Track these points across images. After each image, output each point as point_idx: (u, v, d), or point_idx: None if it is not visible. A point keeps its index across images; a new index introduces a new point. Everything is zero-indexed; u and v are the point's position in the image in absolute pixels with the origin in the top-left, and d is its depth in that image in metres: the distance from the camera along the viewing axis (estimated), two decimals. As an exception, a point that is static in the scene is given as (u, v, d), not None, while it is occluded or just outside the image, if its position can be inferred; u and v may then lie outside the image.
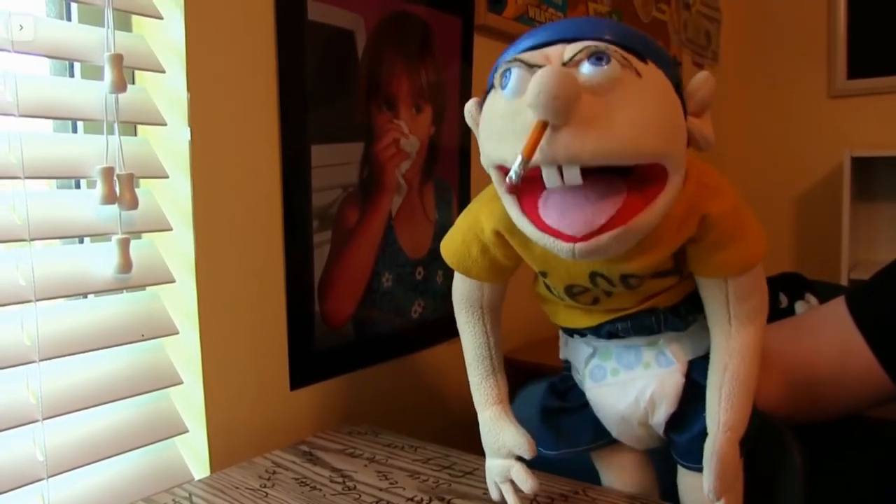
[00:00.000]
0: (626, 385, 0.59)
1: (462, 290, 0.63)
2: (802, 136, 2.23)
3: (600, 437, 0.63)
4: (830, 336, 0.68)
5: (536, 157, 0.42)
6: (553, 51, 0.45)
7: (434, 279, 1.07)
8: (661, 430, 0.60)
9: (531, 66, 0.44)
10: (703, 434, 0.56)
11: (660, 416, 0.58)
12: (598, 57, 0.43)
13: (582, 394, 0.64)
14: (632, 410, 0.59)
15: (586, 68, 0.43)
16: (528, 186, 0.46)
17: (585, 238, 0.44)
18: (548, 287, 0.60)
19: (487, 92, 0.50)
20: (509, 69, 0.46)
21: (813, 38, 2.19)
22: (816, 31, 2.18)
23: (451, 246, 0.61)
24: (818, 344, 0.69)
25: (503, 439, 0.60)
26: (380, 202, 0.96)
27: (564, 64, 0.43)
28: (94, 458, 0.67)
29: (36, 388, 0.64)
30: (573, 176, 0.43)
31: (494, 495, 0.62)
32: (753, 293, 0.55)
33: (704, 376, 0.57)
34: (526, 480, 0.58)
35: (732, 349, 0.55)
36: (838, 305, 0.69)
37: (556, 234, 0.45)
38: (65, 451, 0.66)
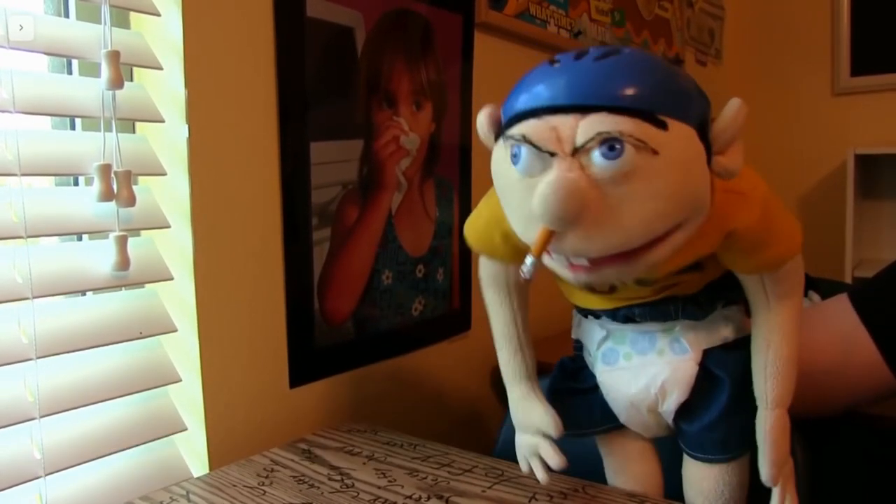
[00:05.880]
0: (638, 370, 0.59)
1: (488, 270, 0.64)
2: (806, 134, 2.23)
3: (606, 420, 0.63)
4: (833, 329, 0.68)
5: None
6: (563, 126, 0.42)
7: (435, 277, 1.06)
8: (670, 419, 0.59)
9: (541, 152, 0.42)
10: (714, 424, 0.56)
11: (670, 404, 0.58)
12: (610, 147, 0.40)
13: (592, 376, 0.63)
14: (642, 396, 0.59)
15: (598, 159, 0.41)
16: None
17: (588, 269, 0.45)
18: None
19: (500, 133, 0.47)
20: (514, 149, 0.44)
21: (816, 36, 2.18)
22: (820, 29, 2.17)
23: (474, 229, 0.61)
24: (821, 337, 0.69)
25: (532, 418, 0.61)
26: (380, 199, 0.96)
27: (576, 150, 0.41)
28: (91, 456, 0.67)
29: (33, 385, 0.64)
30: (581, 262, 0.45)
31: (525, 468, 0.63)
32: (789, 275, 0.55)
33: (719, 366, 0.57)
34: (553, 457, 0.59)
35: (773, 325, 0.56)
36: (842, 300, 0.69)
37: (575, 268, 0.46)
38: (62, 448, 0.65)
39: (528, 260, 0.44)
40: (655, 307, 0.57)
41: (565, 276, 0.46)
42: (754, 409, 0.57)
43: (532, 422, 0.61)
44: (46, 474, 0.63)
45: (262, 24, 0.80)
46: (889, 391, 0.66)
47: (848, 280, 1.84)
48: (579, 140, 0.41)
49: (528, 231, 0.44)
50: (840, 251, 1.91)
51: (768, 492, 0.57)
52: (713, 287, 0.58)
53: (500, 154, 0.47)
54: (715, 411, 0.57)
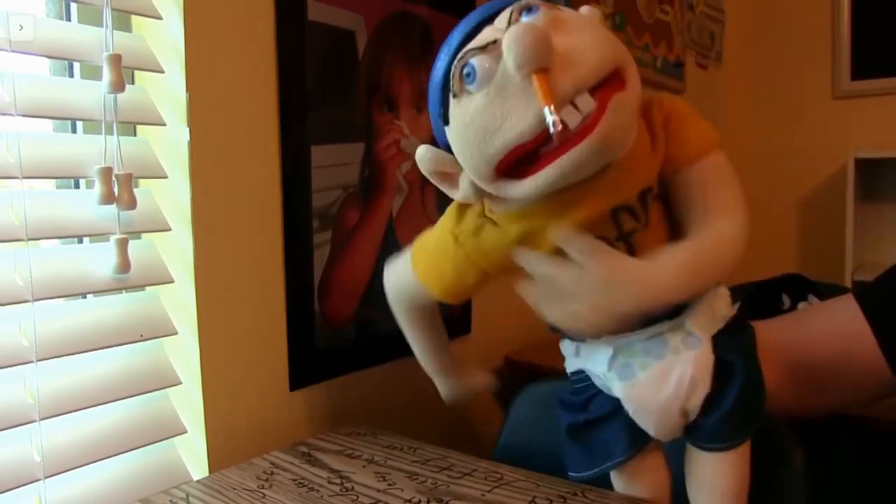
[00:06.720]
0: (661, 375, 0.57)
1: (407, 293, 0.69)
2: (807, 137, 2.23)
3: (636, 443, 0.60)
4: (836, 324, 0.69)
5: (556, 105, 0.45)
6: (492, 27, 0.49)
7: (435, 280, 1.06)
8: (695, 416, 0.58)
9: (484, 49, 0.47)
10: (732, 411, 0.56)
11: (697, 399, 0.57)
12: (528, 10, 0.47)
13: (606, 402, 0.61)
14: (673, 399, 0.57)
15: (526, 20, 0.47)
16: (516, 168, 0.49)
17: (591, 126, 0.46)
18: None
19: (442, 121, 0.53)
20: (466, 68, 0.48)
21: (817, 39, 2.18)
22: (820, 32, 2.17)
23: (426, 256, 0.65)
24: (822, 331, 0.69)
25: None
26: (381, 202, 0.96)
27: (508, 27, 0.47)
28: (91, 458, 0.67)
29: (33, 388, 0.64)
30: (587, 103, 0.46)
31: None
32: (724, 180, 0.56)
33: (729, 352, 0.57)
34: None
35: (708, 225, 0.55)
36: (847, 297, 0.70)
37: (575, 142, 0.46)
38: (62, 451, 0.65)
39: (546, 112, 0.44)
40: None
41: (589, 147, 0.46)
42: (761, 388, 0.59)
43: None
44: (46, 477, 0.63)
45: (264, 27, 0.80)
46: (888, 389, 0.66)
47: (848, 284, 1.84)
48: (507, 21, 0.48)
49: (527, 107, 0.46)
50: (840, 254, 1.91)
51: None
52: None
53: (458, 110, 0.50)
54: (731, 398, 0.56)
